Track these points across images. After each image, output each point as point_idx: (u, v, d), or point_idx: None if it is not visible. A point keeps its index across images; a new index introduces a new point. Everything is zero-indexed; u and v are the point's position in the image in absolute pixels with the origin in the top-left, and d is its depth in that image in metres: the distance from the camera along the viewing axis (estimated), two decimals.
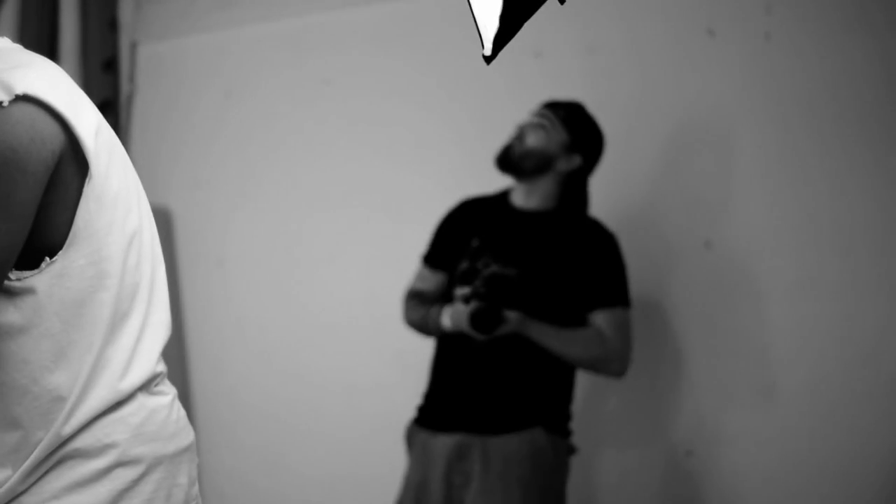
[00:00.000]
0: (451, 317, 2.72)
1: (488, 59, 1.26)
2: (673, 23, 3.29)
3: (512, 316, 2.64)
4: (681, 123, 3.26)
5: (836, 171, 3.06)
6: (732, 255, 3.16)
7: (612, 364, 2.78)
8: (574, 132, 2.88)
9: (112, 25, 4.07)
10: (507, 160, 2.85)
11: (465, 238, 2.88)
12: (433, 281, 2.93)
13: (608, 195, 3.31)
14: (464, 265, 2.81)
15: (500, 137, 2.96)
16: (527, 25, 1.30)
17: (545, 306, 2.74)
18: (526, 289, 2.73)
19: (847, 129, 3.06)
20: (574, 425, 2.84)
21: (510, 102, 3.02)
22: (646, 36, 3.32)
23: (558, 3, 1.29)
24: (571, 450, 2.83)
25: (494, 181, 3.03)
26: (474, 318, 2.62)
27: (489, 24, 1.24)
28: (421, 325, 2.88)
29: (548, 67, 3.42)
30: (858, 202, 3.03)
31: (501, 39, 1.24)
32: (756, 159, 3.16)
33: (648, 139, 3.29)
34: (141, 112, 4.14)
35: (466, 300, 2.66)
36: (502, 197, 2.94)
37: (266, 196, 3.87)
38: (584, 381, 3.21)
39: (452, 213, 2.99)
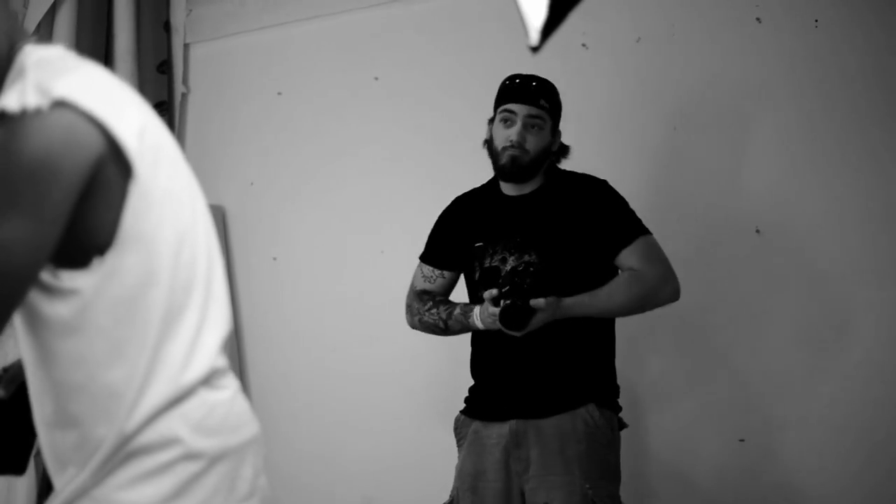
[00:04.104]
0: (482, 318, 2.71)
1: (535, 49, 1.25)
2: (721, 11, 3.27)
3: (542, 304, 2.59)
4: (729, 111, 3.24)
5: (888, 154, 3.04)
6: (783, 241, 3.14)
7: (661, 292, 2.72)
8: (556, 114, 2.85)
9: (165, 28, 4.12)
10: (515, 172, 2.80)
11: (466, 235, 2.87)
12: (440, 281, 2.95)
13: (658, 184, 3.31)
14: (479, 267, 2.80)
15: None
16: (574, 16, 1.30)
17: (574, 277, 2.71)
18: (549, 269, 2.69)
19: None
20: (625, 414, 2.84)
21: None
22: (693, 24, 3.31)
23: None
24: (622, 424, 2.81)
25: None
26: (505, 318, 2.59)
27: (535, 14, 1.23)
28: (439, 327, 2.87)
29: (595, 58, 3.42)
30: None
31: (548, 29, 1.24)
32: (806, 144, 3.14)
33: (698, 127, 3.27)
34: (194, 112, 4.19)
35: (495, 301, 2.64)
36: (493, 186, 2.92)
37: (318, 192, 3.90)
38: (635, 370, 3.21)
39: (448, 212, 2.98)
